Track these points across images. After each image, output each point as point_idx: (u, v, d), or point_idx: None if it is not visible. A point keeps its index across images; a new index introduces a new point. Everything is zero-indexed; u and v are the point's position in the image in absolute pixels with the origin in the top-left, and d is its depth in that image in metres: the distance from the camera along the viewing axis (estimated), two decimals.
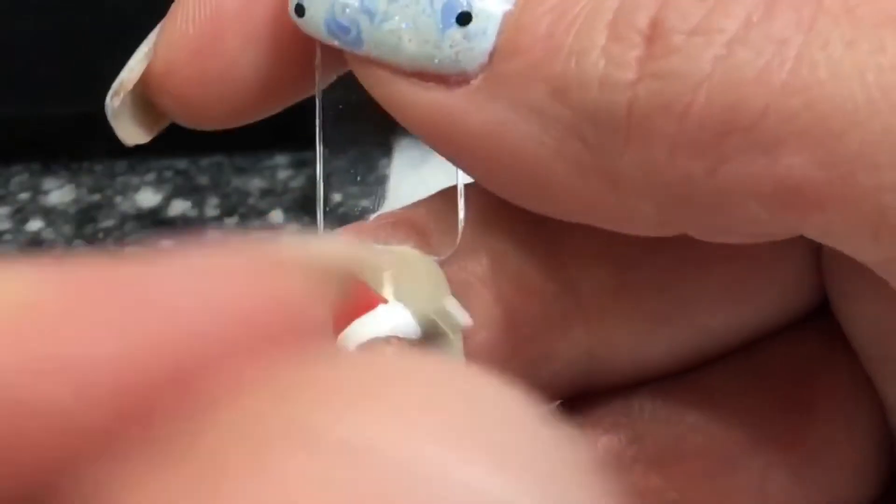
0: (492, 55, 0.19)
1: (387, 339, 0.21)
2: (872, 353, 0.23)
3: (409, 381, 0.12)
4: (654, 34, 0.18)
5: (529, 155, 0.20)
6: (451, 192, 0.22)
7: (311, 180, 0.40)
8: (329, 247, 0.14)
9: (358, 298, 0.22)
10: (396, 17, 0.20)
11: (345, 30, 0.20)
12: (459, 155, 0.21)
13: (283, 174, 0.41)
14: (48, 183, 0.41)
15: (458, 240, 0.22)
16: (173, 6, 0.21)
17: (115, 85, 0.22)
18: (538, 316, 0.22)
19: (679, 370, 0.23)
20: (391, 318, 0.22)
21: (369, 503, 0.11)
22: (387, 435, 0.11)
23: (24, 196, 0.41)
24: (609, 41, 0.19)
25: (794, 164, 0.18)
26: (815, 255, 0.23)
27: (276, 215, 0.39)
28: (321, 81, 0.22)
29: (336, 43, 0.20)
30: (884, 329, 0.22)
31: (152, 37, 0.22)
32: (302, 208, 0.39)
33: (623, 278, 0.23)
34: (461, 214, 0.22)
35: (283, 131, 0.45)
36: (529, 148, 0.19)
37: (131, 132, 0.23)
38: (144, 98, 0.22)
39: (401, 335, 0.22)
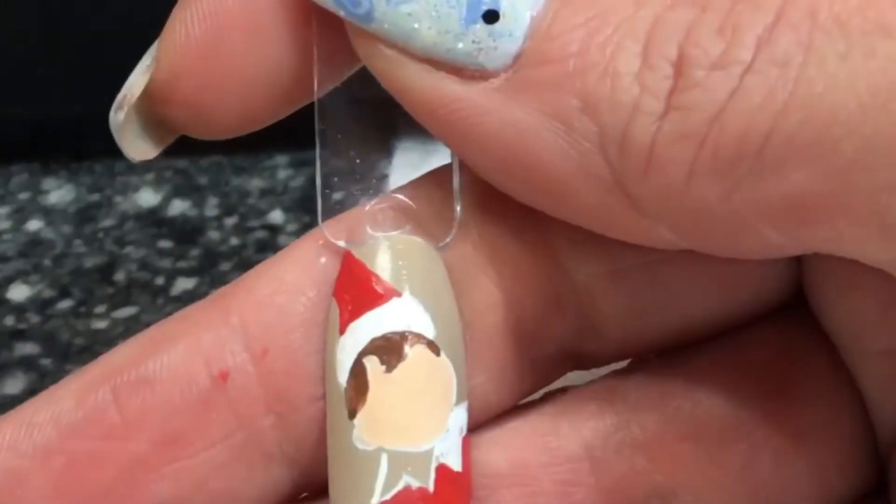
0: (517, 58, 0.20)
1: (402, 335, 0.22)
2: (849, 348, 0.23)
3: None
4: (680, 66, 0.19)
5: (550, 164, 0.20)
6: (443, 176, 0.22)
7: (312, 180, 0.40)
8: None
9: (370, 291, 0.22)
10: (417, 1, 0.20)
11: (355, 2, 0.20)
12: (471, 152, 0.21)
13: (283, 174, 0.41)
14: (48, 182, 0.42)
15: (455, 227, 0.22)
16: (172, 14, 0.21)
17: (118, 99, 0.22)
18: (535, 299, 0.23)
19: (664, 351, 0.24)
20: (406, 313, 0.22)
21: None
22: None
23: (23, 196, 0.41)
24: (643, 68, 0.19)
25: (798, 180, 0.18)
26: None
27: (276, 215, 0.39)
28: (320, 76, 0.22)
29: (342, 13, 0.20)
30: (859, 324, 0.23)
31: (153, 49, 0.21)
32: (302, 208, 0.39)
33: (613, 266, 0.23)
34: (458, 203, 0.22)
35: (283, 131, 0.45)
36: (551, 157, 0.20)
37: (137, 147, 0.22)
38: (149, 112, 0.22)
39: (416, 331, 0.22)
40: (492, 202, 0.22)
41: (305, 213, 0.39)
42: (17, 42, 0.40)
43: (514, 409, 0.23)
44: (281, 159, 0.41)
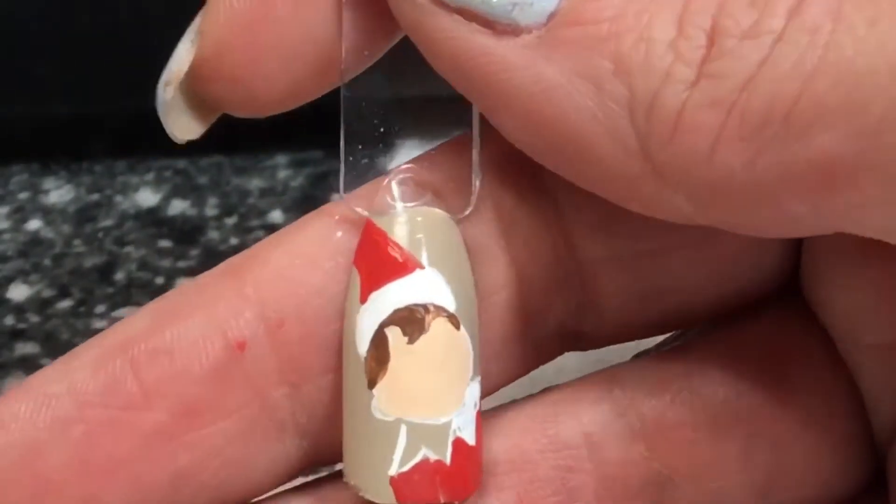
0: (551, 16, 0.20)
1: (424, 307, 0.22)
2: (844, 340, 0.23)
3: None
4: (713, 36, 0.19)
5: (577, 125, 0.20)
6: (462, 147, 0.22)
7: (311, 180, 0.41)
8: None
9: (392, 261, 0.22)
10: None
11: None
12: (496, 107, 0.21)
13: (283, 174, 0.41)
14: (48, 182, 0.41)
15: (474, 200, 0.22)
16: None
17: (164, 76, 0.21)
18: (542, 277, 0.23)
19: (659, 333, 0.24)
20: (429, 286, 0.22)
21: None
22: None
23: (23, 195, 0.41)
24: (678, 37, 0.19)
25: (824, 142, 0.18)
26: (796, 242, 0.24)
27: (276, 215, 0.39)
28: (352, 49, 0.21)
29: None
30: (853, 316, 0.23)
31: (196, 24, 0.21)
32: (302, 208, 0.39)
33: (618, 250, 0.23)
34: (476, 176, 0.22)
35: (284, 131, 0.45)
36: (579, 118, 0.20)
37: (183, 126, 0.22)
38: (192, 89, 0.21)
39: (437, 303, 0.22)
40: (509, 177, 0.22)
41: (305, 213, 0.39)
42: (17, 42, 0.40)
43: (512, 399, 0.24)
44: (281, 159, 0.41)
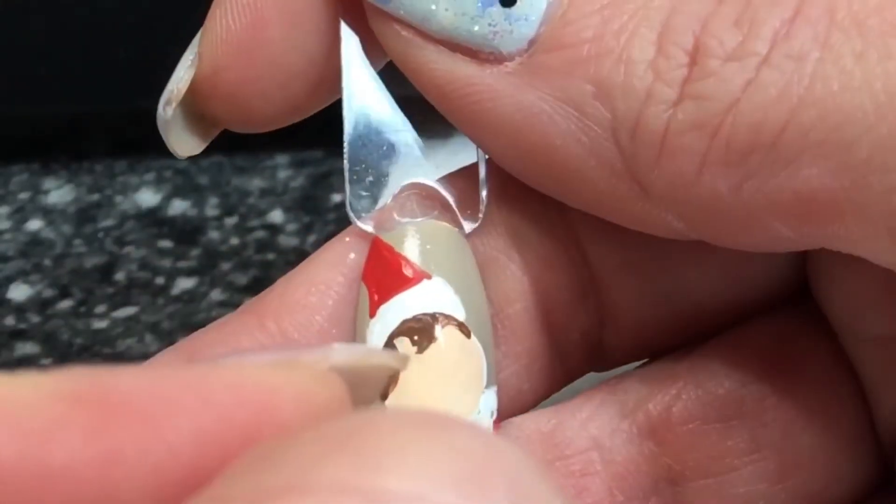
0: (532, 42, 0.20)
1: (433, 316, 0.22)
2: (847, 333, 0.23)
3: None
4: (696, 56, 0.19)
5: (561, 149, 0.20)
6: (469, 169, 0.22)
7: (312, 180, 0.40)
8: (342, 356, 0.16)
9: (399, 273, 0.22)
10: None
11: None
12: (483, 135, 0.21)
13: (283, 174, 0.41)
14: (48, 182, 0.41)
15: (482, 215, 0.22)
16: (212, 8, 0.21)
17: (164, 95, 0.22)
18: (560, 287, 0.23)
19: (676, 346, 0.24)
20: (436, 295, 0.22)
21: None
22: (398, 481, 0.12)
23: (23, 195, 0.41)
24: (657, 56, 0.19)
25: (811, 175, 0.19)
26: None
27: (276, 215, 0.39)
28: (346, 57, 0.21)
29: None
30: (856, 309, 0.23)
31: (195, 43, 0.21)
32: (302, 208, 0.39)
33: (629, 257, 0.23)
34: (483, 190, 0.22)
35: (283, 131, 0.45)
36: (562, 142, 0.20)
37: (184, 143, 0.22)
38: (192, 107, 0.22)
39: (446, 313, 0.22)
40: (516, 191, 0.22)
41: (305, 213, 0.39)
42: (17, 42, 0.39)
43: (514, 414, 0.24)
44: (281, 159, 0.41)
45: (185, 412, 0.13)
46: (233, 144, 0.41)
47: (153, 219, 0.40)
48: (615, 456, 0.24)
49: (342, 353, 0.15)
